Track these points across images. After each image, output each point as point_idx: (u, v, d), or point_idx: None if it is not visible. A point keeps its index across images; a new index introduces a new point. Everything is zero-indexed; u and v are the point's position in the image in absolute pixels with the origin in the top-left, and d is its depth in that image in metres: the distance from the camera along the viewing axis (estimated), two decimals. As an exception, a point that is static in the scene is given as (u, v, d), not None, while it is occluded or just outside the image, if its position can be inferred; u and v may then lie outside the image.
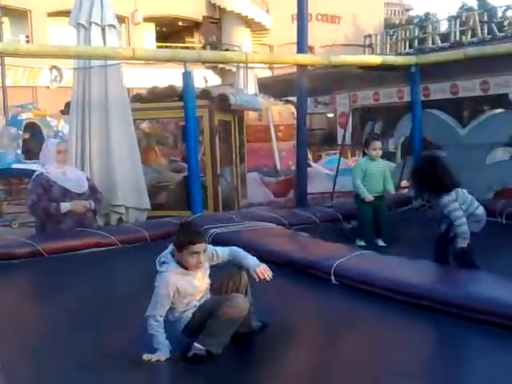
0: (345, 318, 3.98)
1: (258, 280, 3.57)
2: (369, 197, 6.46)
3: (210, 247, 3.59)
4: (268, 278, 3.57)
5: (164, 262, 3.47)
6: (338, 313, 4.12)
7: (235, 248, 3.73)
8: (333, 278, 4.51)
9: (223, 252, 3.66)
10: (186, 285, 3.39)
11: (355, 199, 6.78)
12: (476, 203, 5.06)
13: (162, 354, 3.28)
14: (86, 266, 5.40)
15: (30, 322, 4.09)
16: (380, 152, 6.73)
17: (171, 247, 3.51)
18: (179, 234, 3.45)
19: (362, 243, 6.32)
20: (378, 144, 6.69)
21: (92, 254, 5.70)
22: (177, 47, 26.60)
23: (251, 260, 3.65)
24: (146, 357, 3.25)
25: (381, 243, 6.36)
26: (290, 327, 3.78)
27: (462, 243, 4.80)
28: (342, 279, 4.47)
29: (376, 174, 6.65)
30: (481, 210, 5.05)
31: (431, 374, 3.05)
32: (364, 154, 6.89)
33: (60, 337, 3.73)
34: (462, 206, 4.93)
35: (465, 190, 5.08)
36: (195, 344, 3.31)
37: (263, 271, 3.58)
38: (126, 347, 3.52)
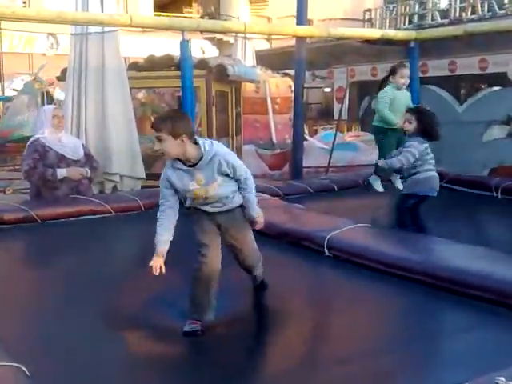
0: (335, 290, 4.00)
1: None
2: (400, 122, 6.31)
3: (221, 151, 3.40)
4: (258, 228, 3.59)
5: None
6: (329, 285, 4.14)
7: (245, 170, 3.51)
8: (326, 250, 4.52)
9: (233, 165, 3.43)
10: (177, 180, 3.39)
11: (376, 133, 6.58)
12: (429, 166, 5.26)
13: (156, 253, 3.36)
14: (79, 233, 5.41)
15: (20, 287, 4.10)
16: (408, 80, 6.55)
17: None
18: None
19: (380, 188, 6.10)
20: (406, 71, 6.50)
21: (85, 222, 5.70)
22: (174, 17, 26.36)
23: (252, 204, 3.56)
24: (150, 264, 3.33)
25: (399, 184, 6.10)
26: (280, 300, 3.80)
27: (381, 163, 5.29)
28: (335, 251, 4.48)
29: (401, 103, 6.44)
30: (427, 175, 5.23)
31: (415, 348, 3.06)
32: (385, 81, 6.63)
33: (51, 303, 3.75)
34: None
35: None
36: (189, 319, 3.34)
37: (259, 223, 3.57)
38: (119, 312, 3.53)
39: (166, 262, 3.34)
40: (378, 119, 6.59)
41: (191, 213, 3.54)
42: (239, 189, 3.50)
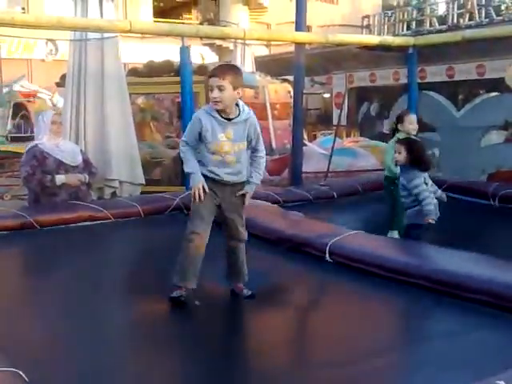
0: (335, 295, 4.01)
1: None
2: None
3: (254, 121, 3.71)
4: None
5: (206, 105, 3.76)
6: (329, 290, 4.14)
7: (261, 144, 3.81)
8: (327, 255, 4.51)
9: (260, 141, 3.77)
10: (209, 127, 3.56)
11: (387, 183, 6.35)
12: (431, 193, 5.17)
13: (195, 179, 3.59)
14: (78, 240, 5.40)
15: (19, 294, 4.10)
16: (417, 126, 6.36)
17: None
18: None
19: (396, 234, 5.85)
20: (414, 117, 6.38)
21: (84, 228, 5.70)
22: (174, 23, 26.41)
23: (255, 175, 3.80)
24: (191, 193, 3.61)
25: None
26: (279, 303, 3.81)
27: (430, 218, 4.95)
28: (336, 257, 4.47)
29: None
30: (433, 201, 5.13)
31: (415, 352, 3.06)
32: (394, 131, 6.47)
33: (50, 309, 3.74)
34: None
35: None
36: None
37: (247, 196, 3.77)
38: (119, 318, 3.54)
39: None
40: (387, 169, 6.51)
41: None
42: (253, 157, 3.79)
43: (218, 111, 3.56)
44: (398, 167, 5.37)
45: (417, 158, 5.12)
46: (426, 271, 3.90)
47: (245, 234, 3.88)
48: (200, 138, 3.61)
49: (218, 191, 3.69)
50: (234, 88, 3.54)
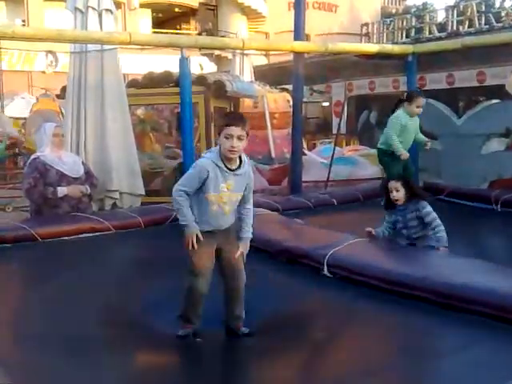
0: (335, 309, 3.97)
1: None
2: (406, 154, 6.23)
3: (250, 172, 3.70)
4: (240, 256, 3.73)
5: (209, 151, 3.66)
6: (328, 304, 4.09)
7: (250, 199, 3.79)
8: (325, 268, 4.43)
9: (251, 193, 3.76)
10: (213, 178, 3.52)
11: (382, 156, 6.53)
12: None
13: (191, 229, 3.54)
14: (80, 251, 5.39)
15: (20, 306, 4.09)
16: (421, 110, 6.51)
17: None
18: (222, 118, 3.66)
19: None
20: (423, 101, 6.47)
21: (86, 240, 5.69)
22: (173, 34, 26.47)
23: (246, 229, 3.76)
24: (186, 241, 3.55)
25: None
26: (277, 320, 3.79)
27: (443, 246, 4.95)
28: (334, 269, 4.42)
29: (411, 131, 6.46)
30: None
31: (414, 366, 3.03)
32: (398, 105, 6.61)
33: (51, 322, 3.74)
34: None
35: None
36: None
37: (240, 255, 3.73)
38: (120, 330, 3.53)
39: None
40: (383, 142, 6.56)
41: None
42: (243, 209, 3.75)
43: (223, 160, 3.54)
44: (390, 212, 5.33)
45: (416, 192, 5.21)
46: (427, 283, 3.84)
47: (244, 276, 3.79)
48: (200, 187, 3.57)
49: (214, 236, 3.66)
50: (247, 137, 3.55)
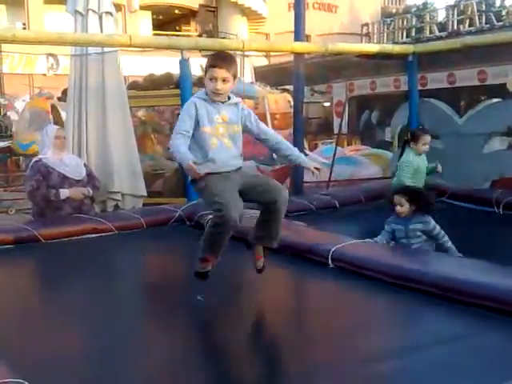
0: (339, 300, 3.99)
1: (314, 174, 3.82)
2: None
3: (250, 111, 3.78)
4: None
5: (196, 93, 3.69)
6: (333, 296, 4.12)
7: (270, 131, 3.90)
8: (330, 261, 4.49)
9: (264, 130, 3.83)
10: (204, 111, 3.54)
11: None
12: None
13: (186, 160, 3.42)
14: (82, 252, 5.40)
15: (24, 306, 4.10)
16: (428, 147, 6.45)
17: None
18: (207, 60, 3.58)
19: None
20: (428, 138, 6.43)
21: (88, 241, 5.71)
22: (173, 35, 26.49)
23: (298, 152, 3.85)
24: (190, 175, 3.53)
25: None
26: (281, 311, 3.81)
27: (458, 255, 4.98)
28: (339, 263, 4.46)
29: (422, 168, 6.49)
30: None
31: (416, 357, 3.04)
32: (404, 146, 6.58)
33: (54, 321, 3.75)
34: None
35: None
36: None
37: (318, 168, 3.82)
38: (123, 329, 3.53)
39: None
40: (397, 183, 6.49)
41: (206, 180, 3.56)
42: (268, 139, 3.84)
43: (211, 98, 3.59)
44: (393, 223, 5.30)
45: (423, 205, 5.14)
46: (430, 278, 3.88)
47: (285, 192, 3.76)
48: (196, 126, 3.58)
49: (229, 177, 3.62)
50: (235, 78, 3.60)
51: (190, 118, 3.54)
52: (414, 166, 6.42)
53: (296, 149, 3.89)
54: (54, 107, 15.58)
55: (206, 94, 3.60)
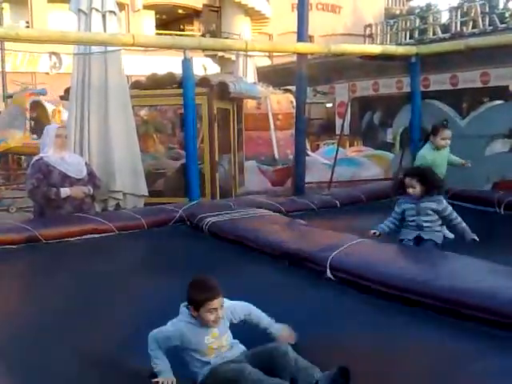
0: (337, 312, 3.93)
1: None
2: None
3: (228, 304, 3.37)
4: (293, 342, 3.37)
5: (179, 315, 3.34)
6: (331, 307, 4.06)
7: (247, 304, 3.51)
8: (328, 271, 4.38)
9: (240, 308, 3.46)
10: (193, 338, 3.23)
11: None
12: None
13: (167, 376, 3.16)
14: (83, 252, 5.39)
15: (23, 307, 4.10)
16: (449, 142, 6.38)
17: (186, 309, 3.32)
18: (192, 293, 3.25)
19: None
20: (448, 133, 6.38)
21: (89, 241, 5.69)
22: (176, 35, 26.49)
23: (270, 322, 3.48)
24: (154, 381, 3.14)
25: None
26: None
27: (473, 236, 5.09)
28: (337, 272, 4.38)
29: (440, 162, 6.43)
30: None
31: (416, 370, 3.02)
32: (425, 141, 6.54)
33: (53, 323, 3.74)
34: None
35: None
36: None
37: (289, 336, 3.42)
38: (120, 336, 3.53)
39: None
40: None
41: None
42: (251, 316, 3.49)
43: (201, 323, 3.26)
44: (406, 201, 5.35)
45: (434, 186, 5.23)
46: (432, 289, 3.76)
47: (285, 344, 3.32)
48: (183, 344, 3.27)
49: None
50: None
51: (172, 343, 3.26)
52: (428, 160, 6.37)
53: (268, 320, 3.47)
54: (38, 104, 15.57)
55: (192, 316, 3.27)
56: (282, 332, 3.43)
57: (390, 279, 3.91)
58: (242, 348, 3.35)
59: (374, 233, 5.27)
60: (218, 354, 3.25)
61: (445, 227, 5.39)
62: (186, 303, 3.31)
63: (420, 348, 3.19)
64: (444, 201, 5.22)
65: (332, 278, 4.25)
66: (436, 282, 3.70)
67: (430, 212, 5.19)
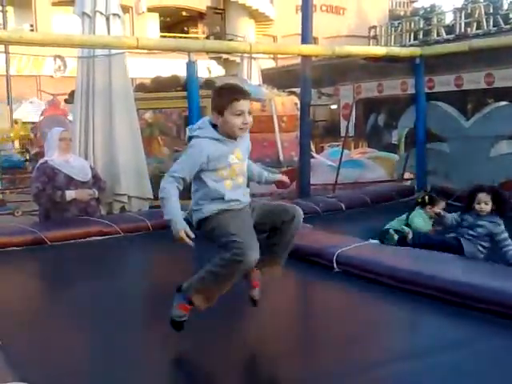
0: (344, 304, 3.98)
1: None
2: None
3: (247, 137, 3.30)
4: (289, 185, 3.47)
5: (199, 128, 3.14)
6: (338, 300, 4.11)
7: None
8: (335, 265, 4.48)
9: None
10: (217, 154, 3.07)
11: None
12: None
13: (178, 225, 3.02)
14: (88, 255, 5.41)
15: (30, 309, 4.10)
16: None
17: (208, 117, 3.15)
18: (219, 95, 3.08)
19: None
20: (442, 204, 6.14)
21: (94, 243, 5.71)
22: (181, 37, 26.54)
23: (265, 169, 3.50)
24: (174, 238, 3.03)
25: None
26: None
27: None
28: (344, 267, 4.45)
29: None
30: None
31: (421, 363, 3.03)
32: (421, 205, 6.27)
33: (61, 324, 3.75)
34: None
35: None
36: (177, 297, 3.13)
37: (285, 180, 3.51)
38: (126, 334, 3.53)
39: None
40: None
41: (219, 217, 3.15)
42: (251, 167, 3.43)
43: (224, 135, 3.12)
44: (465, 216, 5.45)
45: (503, 208, 5.32)
46: (435, 281, 3.86)
47: (297, 208, 3.32)
48: (200, 169, 3.12)
49: (242, 212, 3.21)
50: None
51: (194, 165, 3.10)
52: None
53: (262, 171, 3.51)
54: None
55: (217, 131, 3.11)
56: (279, 177, 3.48)
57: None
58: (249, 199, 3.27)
59: (439, 213, 5.64)
60: (233, 187, 3.12)
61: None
62: (207, 117, 3.14)
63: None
64: (502, 225, 5.25)
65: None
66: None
67: (482, 230, 5.25)
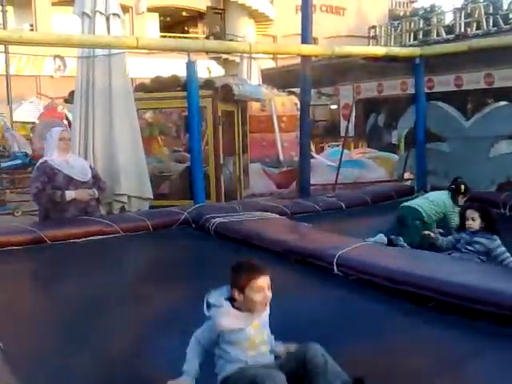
0: (343, 307, 3.96)
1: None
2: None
3: None
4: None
5: (214, 305, 3.00)
6: (337, 303, 4.09)
7: None
8: (335, 267, 4.47)
9: None
10: (234, 327, 2.95)
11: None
12: None
13: (181, 379, 2.90)
14: (88, 254, 5.40)
15: (29, 308, 4.10)
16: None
17: (225, 293, 3.02)
18: (235, 275, 3.00)
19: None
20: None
21: (94, 242, 5.70)
22: (180, 37, 26.54)
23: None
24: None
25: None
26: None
27: None
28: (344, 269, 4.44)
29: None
30: None
31: (420, 367, 3.03)
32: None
33: (60, 324, 3.75)
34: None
35: None
36: None
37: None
38: (126, 334, 3.53)
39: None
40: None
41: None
42: None
43: (244, 310, 2.99)
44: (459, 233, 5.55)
45: (492, 224, 5.36)
46: (435, 283, 3.84)
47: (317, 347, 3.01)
48: (218, 338, 2.99)
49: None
50: None
51: (214, 334, 2.98)
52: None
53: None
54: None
55: (230, 302, 2.99)
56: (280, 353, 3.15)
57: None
58: (279, 344, 3.11)
59: (429, 234, 5.71)
60: (256, 352, 2.98)
61: None
62: (225, 296, 3.02)
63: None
64: (498, 241, 5.29)
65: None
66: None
67: (479, 248, 5.29)
